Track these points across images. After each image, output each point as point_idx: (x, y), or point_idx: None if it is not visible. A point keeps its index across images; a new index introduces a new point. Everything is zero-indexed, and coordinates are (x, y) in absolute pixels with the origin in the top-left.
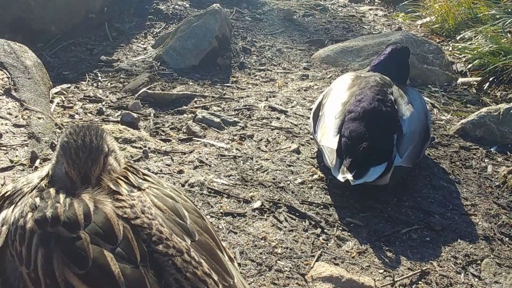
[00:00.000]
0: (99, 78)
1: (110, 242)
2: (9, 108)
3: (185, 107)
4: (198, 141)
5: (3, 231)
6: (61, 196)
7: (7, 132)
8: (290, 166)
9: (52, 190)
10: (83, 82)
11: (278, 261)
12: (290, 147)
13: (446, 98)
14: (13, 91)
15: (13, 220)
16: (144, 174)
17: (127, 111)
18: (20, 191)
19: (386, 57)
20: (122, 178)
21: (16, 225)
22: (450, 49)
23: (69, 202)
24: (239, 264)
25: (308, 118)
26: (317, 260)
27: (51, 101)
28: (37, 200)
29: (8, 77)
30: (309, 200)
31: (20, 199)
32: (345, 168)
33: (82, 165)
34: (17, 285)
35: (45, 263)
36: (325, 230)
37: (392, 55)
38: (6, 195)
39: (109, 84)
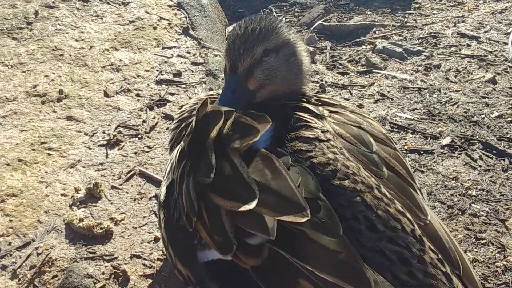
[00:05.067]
0: (274, 13)
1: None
2: (187, 47)
3: (363, 38)
4: (378, 73)
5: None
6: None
7: (186, 71)
8: (484, 98)
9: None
10: None
11: (473, 204)
12: (484, 76)
13: None
14: (191, 30)
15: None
16: (320, 98)
17: None
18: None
19: None
20: (301, 106)
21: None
22: None
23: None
24: None
25: (506, 43)
26: None
27: (227, 39)
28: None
29: (185, 17)
30: (508, 136)
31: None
32: None
33: (235, 52)
34: (177, 216)
35: (193, 184)
36: None
37: None
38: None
39: (283, 18)
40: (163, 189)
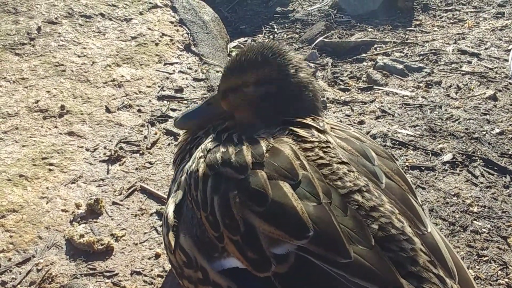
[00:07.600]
0: (275, 29)
1: (289, 178)
2: (189, 63)
3: (364, 55)
4: (379, 89)
5: (182, 181)
6: (233, 138)
7: (187, 86)
8: (485, 114)
9: (225, 134)
10: (259, 35)
11: (474, 221)
12: (485, 93)
13: None
14: (193, 46)
15: (187, 168)
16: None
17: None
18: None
19: None
20: (302, 122)
21: (191, 170)
22: None
23: (240, 144)
24: None
25: (506, 60)
26: None
27: (229, 55)
28: (209, 144)
29: (187, 33)
30: (509, 152)
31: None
32: None
33: (222, 74)
34: (195, 231)
35: (222, 204)
36: None
37: None
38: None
39: (285, 35)
40: (171, 207)
